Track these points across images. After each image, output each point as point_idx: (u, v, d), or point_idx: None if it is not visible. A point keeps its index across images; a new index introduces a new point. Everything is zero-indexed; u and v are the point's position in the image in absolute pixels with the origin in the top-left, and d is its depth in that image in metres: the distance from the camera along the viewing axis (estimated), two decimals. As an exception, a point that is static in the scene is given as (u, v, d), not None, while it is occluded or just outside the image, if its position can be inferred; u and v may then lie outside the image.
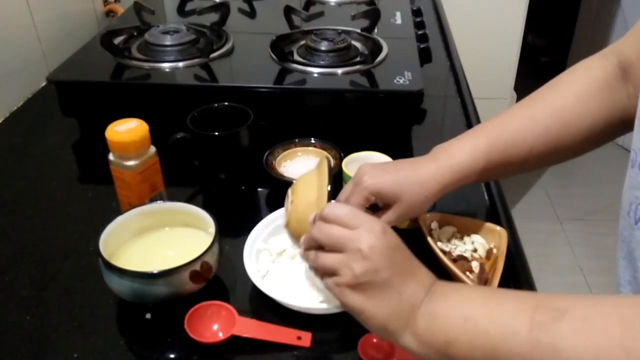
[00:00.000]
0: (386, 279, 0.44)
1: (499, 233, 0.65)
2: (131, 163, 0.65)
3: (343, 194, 0.61)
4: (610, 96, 0.60)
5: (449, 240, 0.67)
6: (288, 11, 1.04)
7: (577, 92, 0.61)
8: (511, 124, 0.61)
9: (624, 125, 0.61)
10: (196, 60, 0.91)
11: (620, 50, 0.62)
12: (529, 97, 0.63)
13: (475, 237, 0.66)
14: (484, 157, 0.60)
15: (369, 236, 0.45)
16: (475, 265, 0.62)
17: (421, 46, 1.00)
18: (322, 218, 0.49)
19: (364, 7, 1.10)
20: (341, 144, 0.79)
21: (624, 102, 0.60)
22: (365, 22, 1.02)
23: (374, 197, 0.59)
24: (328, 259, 0.47)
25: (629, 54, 0.60)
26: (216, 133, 0.73)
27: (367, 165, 0.60)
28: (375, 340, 0.54)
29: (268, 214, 0.66)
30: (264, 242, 0.64)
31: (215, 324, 0.56)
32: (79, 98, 0.88)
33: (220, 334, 0.55)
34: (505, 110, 0.63)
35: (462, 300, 0.44)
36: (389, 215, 0.60)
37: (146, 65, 0.89)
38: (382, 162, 0.64)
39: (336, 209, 0.48)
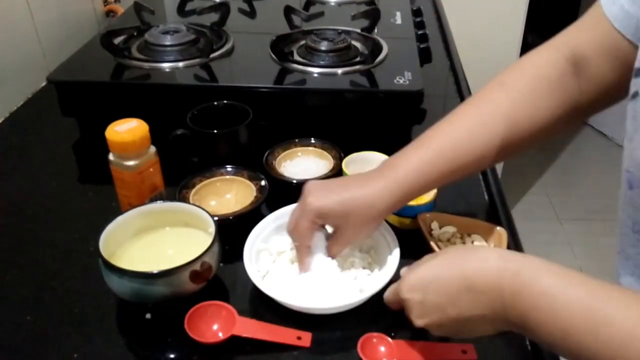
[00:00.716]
0: (455, 316, 0.48)
1: (499, 233, 0.65)
2: (131, 163, 0.65)
3: (292, 215, 0.59)
4: (561, 94, 0.58)
5: (449, 240, 0.67)
6: (288, 11, 1.04)
7: (526, 92, 0.59)
8: (459, 130, 0.59)
9: (576, 118, 0.61)
10: (196, 60, 0.91)
11: (574, 42, 0.59)
12: (477, 96, 0.60)
13: (475, 237, 0.66)
14: (432, 170, 0.57)
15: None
16: (475, 265, 0.62)
17: (421, 46, 1.00)
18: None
19: (364, 7, 1.10)
20: (341, 144, 0.79)
21: (576, 97, 0.58)
22: (365, 22, 1.02)
23: (320, 219, 0.57)
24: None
25: (584, 48, 0.57)
26: (214, 131, 0.73)
27: (313, 185, 0.58)
28: (375, 340, 0.54)
29: (268, 214, 0.66)
30: (264, 242, 0.64)
31: (215, 324, 0.56)
32: (79, 98, 0.88)
33: (220, 334, 0.55)
34: (454, 111, 0.61)
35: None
36: (337, 239, 0.59)
37: (146, 65, 0.89)
38: (328, 180, 0.61)
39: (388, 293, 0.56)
